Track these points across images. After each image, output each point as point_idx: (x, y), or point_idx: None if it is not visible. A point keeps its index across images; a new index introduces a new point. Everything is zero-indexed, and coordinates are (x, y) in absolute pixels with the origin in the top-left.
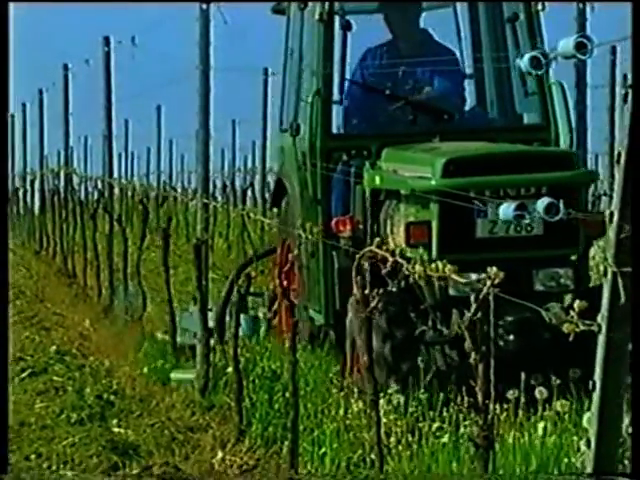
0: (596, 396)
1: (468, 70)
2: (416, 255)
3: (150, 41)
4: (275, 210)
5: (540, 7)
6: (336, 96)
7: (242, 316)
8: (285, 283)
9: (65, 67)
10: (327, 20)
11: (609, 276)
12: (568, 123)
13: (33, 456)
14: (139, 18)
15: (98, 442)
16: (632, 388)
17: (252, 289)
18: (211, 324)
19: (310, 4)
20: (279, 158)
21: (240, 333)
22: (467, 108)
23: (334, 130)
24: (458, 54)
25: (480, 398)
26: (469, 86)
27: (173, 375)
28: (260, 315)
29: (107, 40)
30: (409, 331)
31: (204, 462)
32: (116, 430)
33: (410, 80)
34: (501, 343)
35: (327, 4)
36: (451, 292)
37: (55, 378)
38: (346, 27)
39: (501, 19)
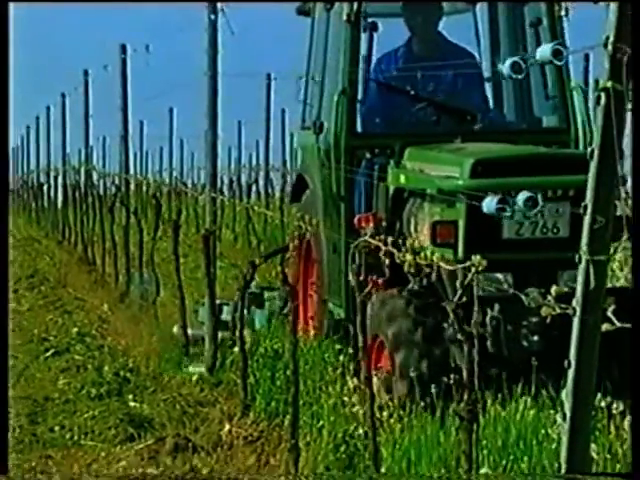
0: (571, 373)
1: (487, 73)
2: (442, 254)
3: (163, 48)
4: (294, 205)
5: (563, 12)
6: (360, 96)
7: (258, 310)
8: (303, 276)
9: (85, 73)
10: (354, 21)
11: (583, 264)
12: (589, 127)
13: (57, 427)
14: (154, 26)
15: (116, 415)
16: (632, 389)
17: (266, 284)
18: (228, 317)
19: (336, 5)
20: (300, 155)
21: (257, 326)
22: (488, 110)
23: (358, 129)
24: (477, 57)
25: (465, 376)
26: (490, 88)
27: (191, 369)
28: (269, 307)
29: (124, 48)
30: (435, 325)
31: (212, 434)
32: (132, 404)
33: (432, 81)
34: (525, 343)
35: (355, 5)
36: (476, 292)
37: (76, 357)
38: (372, 28)
39: (522, 22)
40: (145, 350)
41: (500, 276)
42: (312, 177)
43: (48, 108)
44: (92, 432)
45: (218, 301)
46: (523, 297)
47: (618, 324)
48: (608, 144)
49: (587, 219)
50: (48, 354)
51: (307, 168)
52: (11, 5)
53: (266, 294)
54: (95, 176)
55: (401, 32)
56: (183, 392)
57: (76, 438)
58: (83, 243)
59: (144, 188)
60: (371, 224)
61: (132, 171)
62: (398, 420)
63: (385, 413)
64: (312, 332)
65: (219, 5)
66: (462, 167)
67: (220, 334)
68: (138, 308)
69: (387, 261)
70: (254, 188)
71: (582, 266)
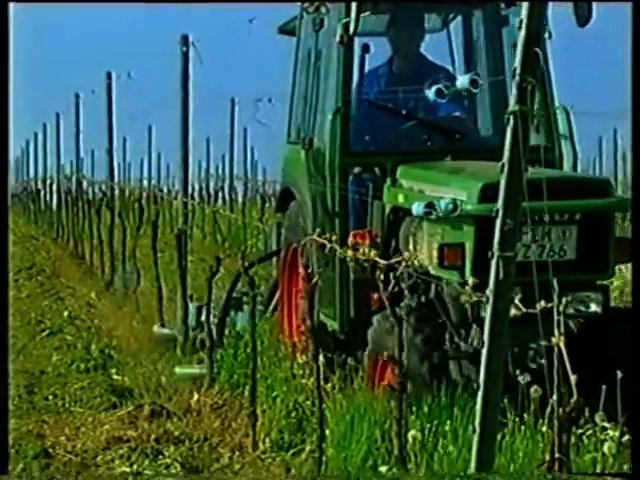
0: (485, 350)
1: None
2: (448, 277)
3: (144, 75)
4: (279, 215)
5: (547, 35)
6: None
7: (239, 313)
8: (287, 284)
9: (77, 95)
10: (347, 42)
11: (495, 259)
12: (572, 146)
13: (50, 396)
14: (137, 55)
15: (101, 386)
16: (632, 389)
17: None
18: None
19: (326, 25)
20: (285, 168)
21: (239, 328)
22: (473, 128)
23: (351, 147)
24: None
25: (396, 353)
26: (471, 107)
27: (178, 370)
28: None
29: (109, 74)
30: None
31: (183, 402)
32: (115, 377)
33: (416, 100)
34: (532, 366)
35: (351, 26)
36: (482, 314)
37: (68, 337)
38: (364, 50)
39: (500, 41)
40: (126, 331)
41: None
42: (300, 190)
43: (45, 125)
44: (80, 400)
45: (197, 304)
46: (445, 286)
47: (524, 310)
48: (515, 158)
49: (499, 222)
50: (43, 334)
51: (294, 181)
52: (11, 16)
53: (245, 298)
54: (85, 183)
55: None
56: (158, 367)
57: (67, 405)
58: (74, 240)
59: (126, 194)
60: (367, 241)
61: (116, 179)
62: (340, 390)
63: (329, 385)
64: (299, 342)
65: (190, 39)
66: (469, 191)
67: (200, 335)
68: (121, 296)
69: (382, 276)
70: (220, 194)
71: (494, 260)
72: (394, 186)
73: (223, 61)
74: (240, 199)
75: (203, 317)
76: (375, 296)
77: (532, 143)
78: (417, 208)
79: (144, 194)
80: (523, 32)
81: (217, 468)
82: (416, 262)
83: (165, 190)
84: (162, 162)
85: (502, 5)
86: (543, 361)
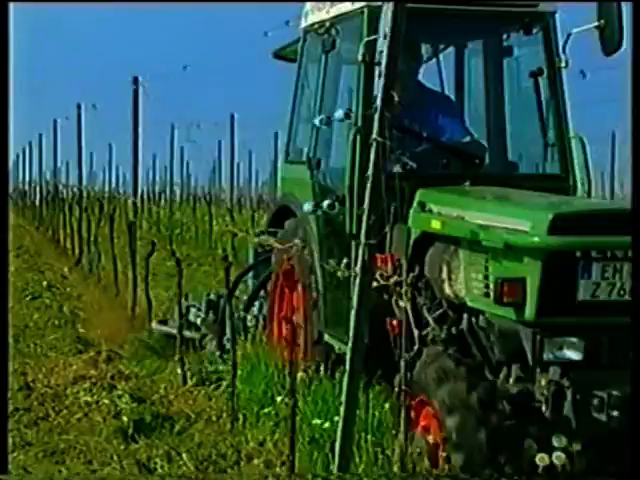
0: (353, 312)
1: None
2: (503, 313)
3: (107, 105)
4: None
5: (563, 64)
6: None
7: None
8: (278, 296)
9: (54, 121)
10: (369, 61)
11: (362, 246)
12: (587, 175)
13: (32, 345)
14: (103, 90)
15: (71, 337)
16: (632, 388)
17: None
18: (195, 319)
19: (337, 46)
20: (283, 187)
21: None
22: (489, 155)
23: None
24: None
25: (302, 322)
26: (493, 133)
27: (154, 325)
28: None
29: (79, 105)
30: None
31: (132, 349)
32: (81, 331)
33: (422, 125)
34: (599, 417)
35: (379, 45)
36: (545, 357)
37: (46, 300)
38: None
39: (500, 73)
40: (90, 296)
41: (575, 340)
42: (304, 212)
43: (30, 143)
44: (55, 348)
45: (185, 303)
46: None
47: (382, 282)
48: (377, 174)
49: (365, 217)
50: (27, 298)
51: (294, 199)
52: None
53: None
54: (60, 187)
55: None
56: (114, 323)
57: (44, 351)
58: (52, 228)
59: (92, 194)
60: (389, 265)
61: (84, 184)
62: (250, 342)
63: (242, 338)
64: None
65: (140, 79)
66: (536, 221)
67: (189, 334)
68: (87, 270)
69: (402, 303)
70: (162, 196)
71: (361, 247)
72: (423, 211)
73: (165, 95)
74: (177, 199)
75: (190, 317)
76: (394, 322)
77: (548, 172)
78: (307, 207)
79: (105, 195)
80: (382, 79)
81: (156, 398)
82: (449, 292)
83: (121, 192)
84: (120, 171)
85: (505, 36)
86: (615, 413)
